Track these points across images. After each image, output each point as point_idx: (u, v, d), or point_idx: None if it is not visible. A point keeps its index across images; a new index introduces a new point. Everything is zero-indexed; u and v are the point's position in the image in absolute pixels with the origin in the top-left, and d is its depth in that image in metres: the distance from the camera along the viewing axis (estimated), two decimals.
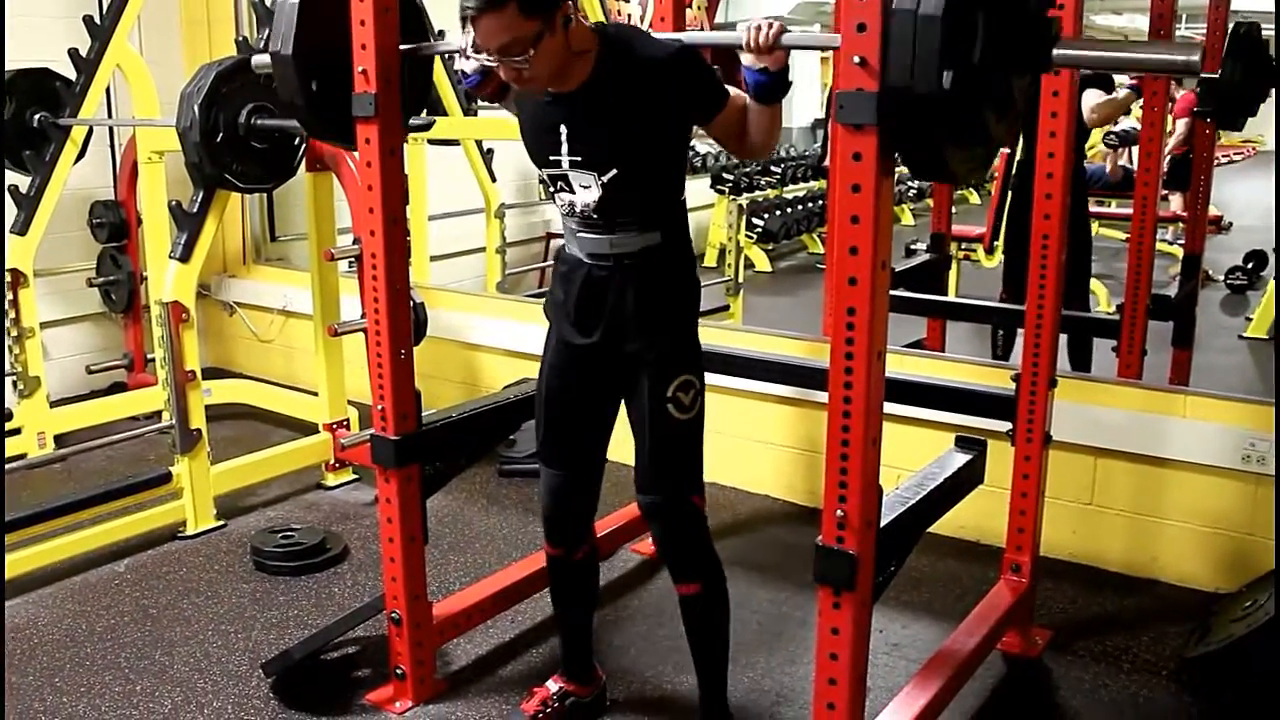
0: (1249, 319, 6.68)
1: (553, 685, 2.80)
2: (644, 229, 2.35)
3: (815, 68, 13.29)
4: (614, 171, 2.28)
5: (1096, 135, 9.67)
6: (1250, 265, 8.03)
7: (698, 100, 2.27)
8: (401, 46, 2.51)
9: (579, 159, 2.30)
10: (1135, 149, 8.44)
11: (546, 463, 2.62)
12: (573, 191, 2.34)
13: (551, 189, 2.40)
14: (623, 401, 2.53)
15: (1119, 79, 4.88)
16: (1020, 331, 4.78)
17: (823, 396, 2.04)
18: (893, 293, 1.99)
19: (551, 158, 2.34)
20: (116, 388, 5.24)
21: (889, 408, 2.07)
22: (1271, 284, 6.54)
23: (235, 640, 3.16)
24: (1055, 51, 1.85)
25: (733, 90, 2.29)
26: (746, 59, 2.11)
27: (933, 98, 1.71)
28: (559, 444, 2.60)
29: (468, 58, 2.23)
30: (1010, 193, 4.97)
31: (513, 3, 2.07)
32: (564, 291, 2.47)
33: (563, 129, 2.30)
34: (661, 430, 2.40)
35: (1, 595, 3.24)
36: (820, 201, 9.38)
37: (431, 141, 5.64)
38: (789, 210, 9.45)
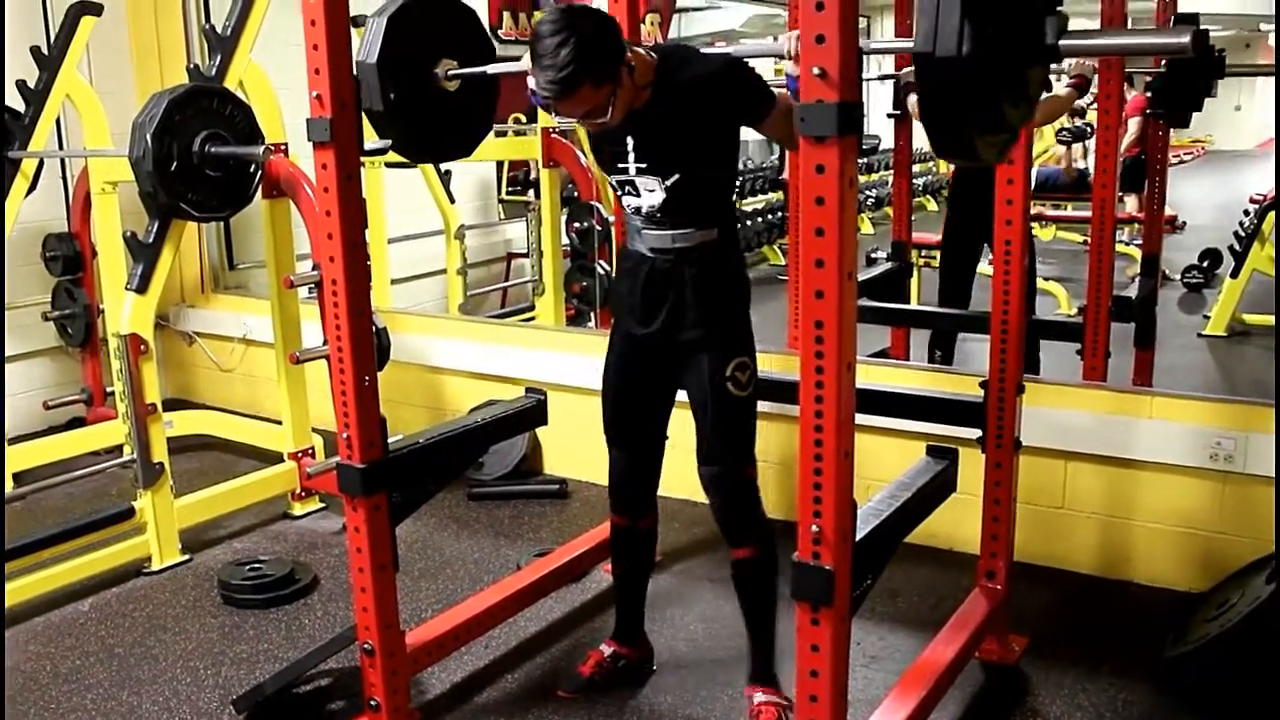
0: (1206, 317, 6.75)
1: (605, 649, 3.06)
2: (702, 225, 2.61)
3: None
4: (676, 176, 2.54)
5: (1049, 138, 9.79)
6: (1205, 264, 8.12)
7: (748, 105, 2.51)
8: (465, 71, 2.76)
9: (645, 166, 2.56)
10: (1087, 145, 8.56)
11: (612, 444, 2.88)
12: (638, 195, 2.60)
13: (619, 193, 2.67)
14: (681, 385, 2.76)
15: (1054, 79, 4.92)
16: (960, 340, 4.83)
17: (792, 410, 2.03)
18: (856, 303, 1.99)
19: (619, 165, 2.60)
20: (75, 423, 5.15)
21: (857, 419, 2.06)
22: (1228, 281, 6.60)
23: (205, 677, 3.11)
24: (1061, 42, 1.94)
25: (778, 93, 2.51)
26: (788, 66, 2.32)
27: (956, 102, 1.83)
28: (623, 427, 2.86)
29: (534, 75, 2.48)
30: (948, 203, 5.00)
31: (585, 83, 2.32)
32: (628, 286, 2.72)
33: (629, 140, 2.56)
34: (722, 407, 2.64)
35: (2, 620, 3.18)
36: (780, 213, 9.40)
37: (389, 164, 5.60)
38: (749, 223, 9.46)
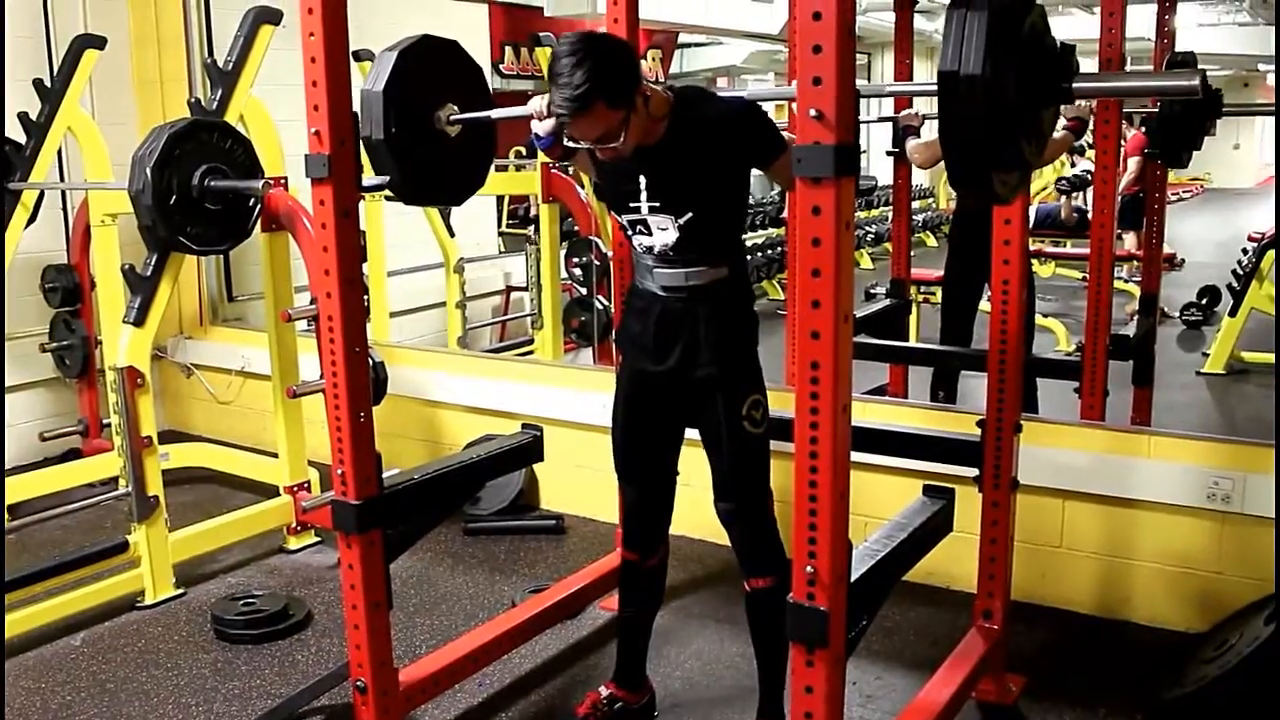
0: (1205, 355, 6.75)
1: (604, 690, 3.00)
2: (714, 263, 2.60)
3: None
4: (690, 214, 2.53)
5: (1048, 175, 9.81)
6: (1204, 301, 8.12)
7: (761, 149, 2.53)
8: (467, 116, 2.76)
9: (658, 204, 2.56)
10: (1087, 192, 8.59)
11: (624, 480, 2.88)
12: (650, 234, 2.60)
13: (629, 233, 2.65)
14: (691, 423, 2.76)
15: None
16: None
17: (789, 447, 2.02)
18: (854, 340, 1.99)
19: (631, 204, 2.60)
20: (71, 454, 5.14)
21: (854, 456, 2.04)
22: (1227, 319, 6.60)
23: (196, 713, 3.08)
24: (1075, 85, 2.01)
25: (788, 136, 2.52)
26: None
27: (977, 139, 1.89)
28: (634, 464, 2.86)
29: (541, 120, 2.59)
30: (950, 241, 5.00)
31: (600, 102, 2.34)
32: (640, 324, 2.71)
33: (642, 179, 2.56)
34: (739, 445, 2.64)
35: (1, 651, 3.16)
36: (780, 248, 9.43)
37: (389, 197, 5.60)
38: (749, 258, 9.48)
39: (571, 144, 2.50)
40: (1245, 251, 6.93)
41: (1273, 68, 17.23)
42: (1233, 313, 6.55)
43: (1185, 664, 3.06)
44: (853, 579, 2.10)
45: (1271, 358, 6.54)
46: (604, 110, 2.35)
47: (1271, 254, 6.46)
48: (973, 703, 3.01)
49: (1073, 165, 8.53)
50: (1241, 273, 6.68)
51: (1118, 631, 3.49)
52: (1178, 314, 8.08)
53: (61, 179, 5.14)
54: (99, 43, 4.67)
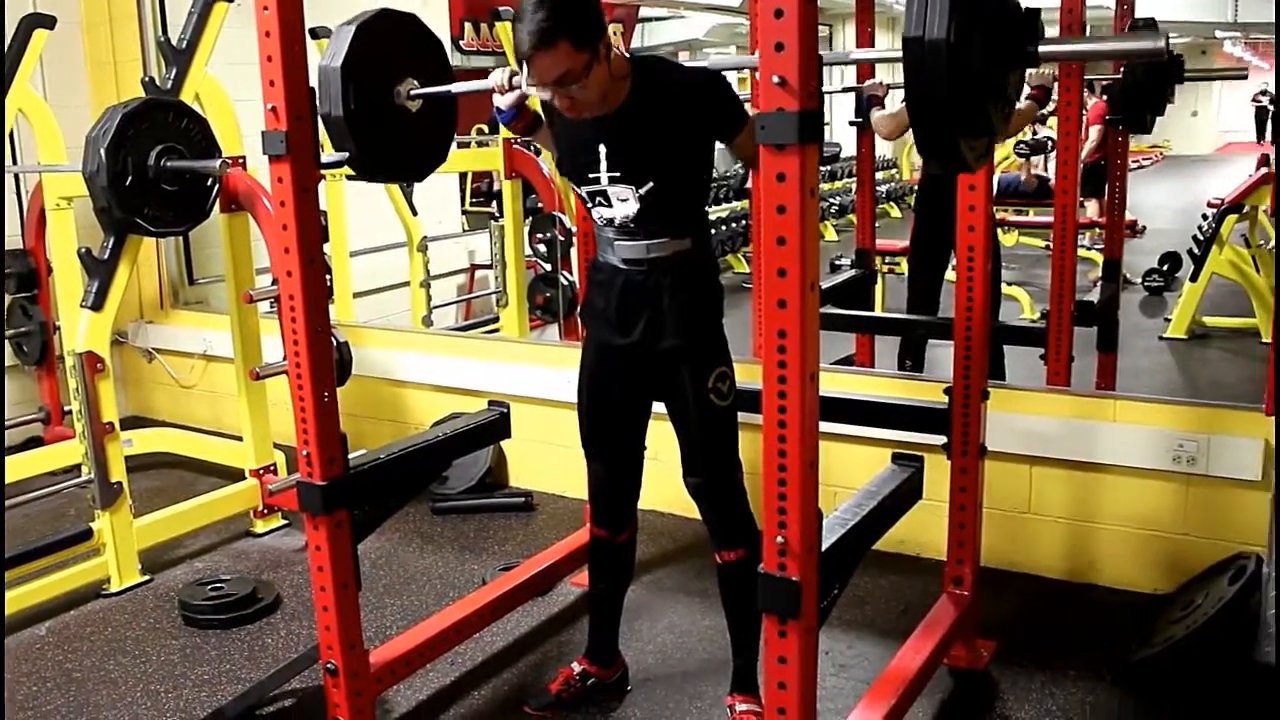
0: (1167, 320, 6.80)
1: (576, 666, 3.00)
2: (676, 235, 2.58)
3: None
4: (650, 184, 2.51)
5: (1010, 145, 9.84)
6: (1165, 267, 8.19)
7: (723, 120, 2.53)
8: (428, 90, 2.72)
9: (618, 174, 2.53)
10: (1045, 158, 8.64)
11: (591, 457, 2.86)
12: (610, 205, 2.57)
13: (589, 204, 2.63)
14: (657, 396, 2.76)
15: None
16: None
17: (757, 418, 2.01)
18: (821, 310, 1.98)
19: (590, 175, 2.56)
20: (32, 442, 5.07)
21: (823, 426, 2.04)
22: (1188, 285, 6.66)
23: (165, 700, 3.05)
24: (1041, 49, 1.98)
25: (752, 112, 2.47)
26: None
27: (944, 105, 1.85)
28: (599, 439, 2.83)
29: (504, 93, 2.58)
30: (915, 210, 5.00)
31: (564, 39, 2.30)
32: (603, 298, 2.67)
33: (602, 148, 2.52)
34: (706, 418, 2.64)
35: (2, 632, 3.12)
36: (744, 221, 9.42)
37: (350, 177, 5.55)
38: (713, 231, 9.46)
39: (532, 90, 2.43)
40: (1205, 218, 6.98)
41: (1230, 34, 17.38)
42: (1194, 278, 6.61)
43: (1152, 625, 3.10)
44: (823, 548, 2.09)
45: (1232, 321, 6.63)
46: (568, 49, 2.31)
47: (1231, 219, 6.51)
48: (945, 669, 3.03)
49: (1034, 134, 8.57)
50: (1202, 238, 6.72)
51: (1086, 594, 3.52)
52: (1140, 280, 8.14)
53: (14, 162, 5.06)
54: (48, 22, 4.58)
